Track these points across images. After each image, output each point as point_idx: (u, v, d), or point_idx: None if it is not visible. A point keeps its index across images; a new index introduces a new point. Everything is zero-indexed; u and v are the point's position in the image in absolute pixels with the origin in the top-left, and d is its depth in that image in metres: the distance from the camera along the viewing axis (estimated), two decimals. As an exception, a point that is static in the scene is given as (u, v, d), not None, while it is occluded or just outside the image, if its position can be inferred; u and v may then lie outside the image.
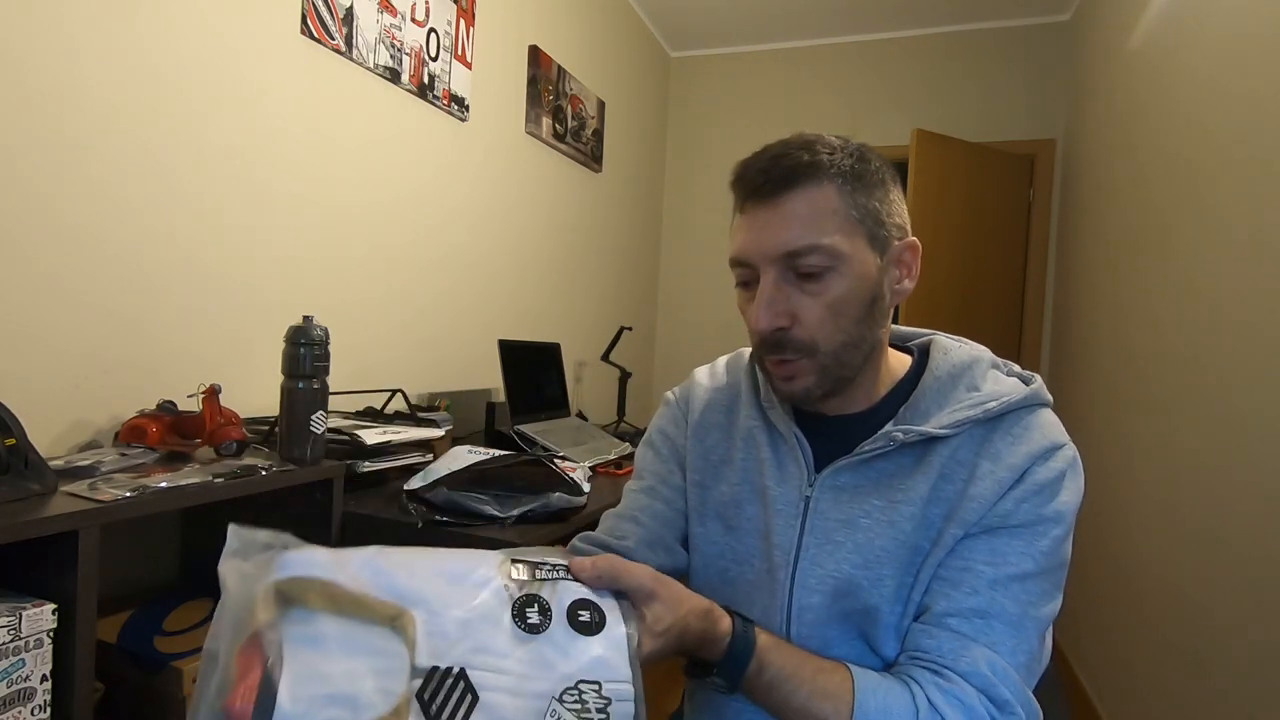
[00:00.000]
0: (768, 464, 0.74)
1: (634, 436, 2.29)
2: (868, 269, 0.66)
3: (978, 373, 0.71)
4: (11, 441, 0.89)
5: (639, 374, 3.53)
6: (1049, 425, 0.68)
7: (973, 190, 3.04)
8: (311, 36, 1.58)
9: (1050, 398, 0.71)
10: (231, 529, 0.46)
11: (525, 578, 0.50)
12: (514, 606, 0.47)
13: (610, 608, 0.51)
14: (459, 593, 0.47)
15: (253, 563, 0.45)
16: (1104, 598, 2.19)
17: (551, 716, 0.45)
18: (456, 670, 0.44)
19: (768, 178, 0.65)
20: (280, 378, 1.17)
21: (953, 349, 0.74)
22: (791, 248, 0.64)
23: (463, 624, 0.45)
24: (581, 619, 0.49)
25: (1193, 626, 1.57)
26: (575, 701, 0.45)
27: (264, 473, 1.09)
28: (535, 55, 2.45)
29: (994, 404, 0.67)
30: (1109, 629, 2.14)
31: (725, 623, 0.60)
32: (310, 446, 1.17)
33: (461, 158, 2.13)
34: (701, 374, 0.87)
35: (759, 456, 0.75)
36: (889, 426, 0.68)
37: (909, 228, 0.71)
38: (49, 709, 0.83)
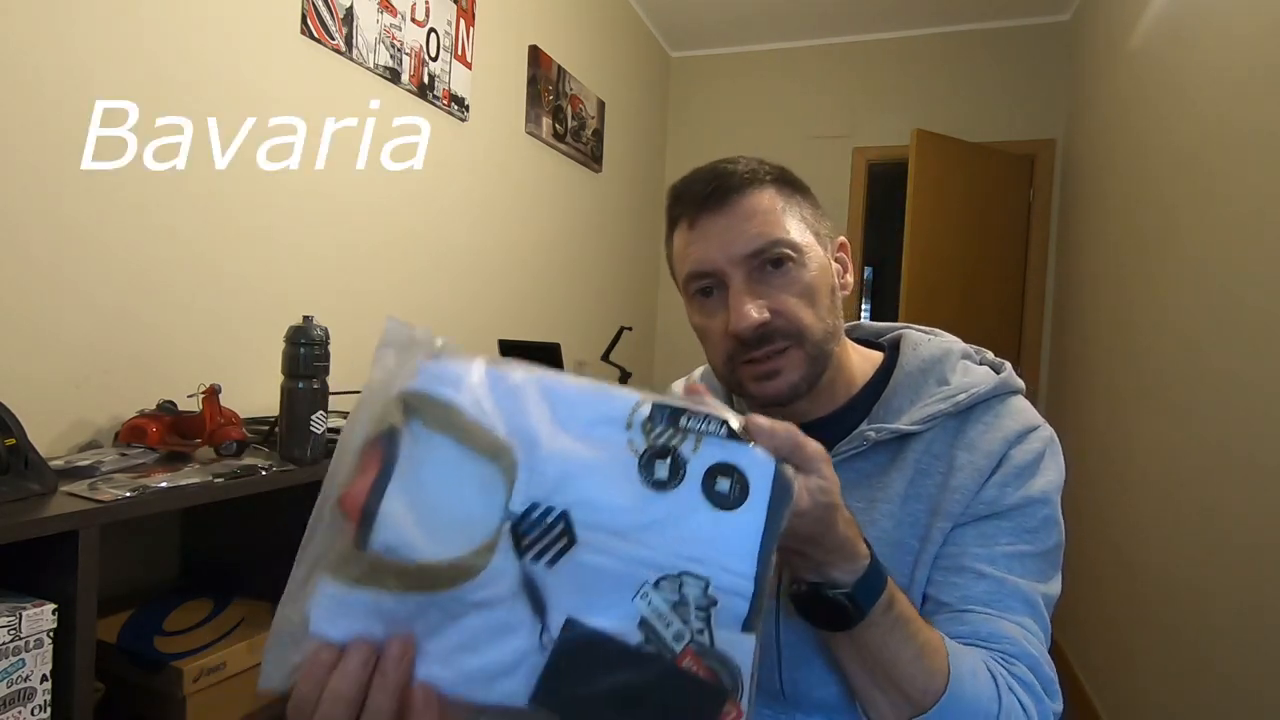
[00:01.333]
0: None
1: (634, 436, 2.29)
2: (823, 261, 0.69)
3: (947, 366, 0.72)
4: (11, 441, 0.89)
5: (639, 374, 3.53)
6: (1021, 410, 0.69)
7: (973, 190, 3.04)
8: (311, 36, 1.58)
9: (1021, 384, 0.72)
10: (389, 321, 0.43)
11: (664, 426, 0.42)
12: (642, 457, 0.41)
13: (761, 480, 0.42)
14: (585, 434, 0.42)
15: (399, 360, 0.43)
16: (1105, 593, 2.18)
17: (642, 598, 0.40)
18: (559, 511, 0.40)
19: (714, 188, 0.67)
20: (280, 378, 1.17)
21: (922, 343, 0.74)
22: (755, 246, 0.65)
23: (580, 466, 0.41)
24: (719, 489, 0.41)
25: (1193, 621, 1.57)
26: (674, 592, 0.40)
27: (264, 473, 1.09)
28: (535, 55, 2.45)
29: (963, 396, 0.68)
30: (1110, 625, 2.14)
31: (863, 543, 0.52)
32: (310, 446, 1.17)
33: (461, 158, 2.13)
34: (678, 387, 0.86)
35: None
36: (863, 426, 0.69)
37: (833, 231, 0.74)
38: (49, 709, 0.82)
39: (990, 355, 0.75)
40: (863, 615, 0.51)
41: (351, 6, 1.67)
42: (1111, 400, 2.22)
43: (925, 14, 3.16)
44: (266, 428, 1.27)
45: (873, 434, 0.68)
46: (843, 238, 0.74)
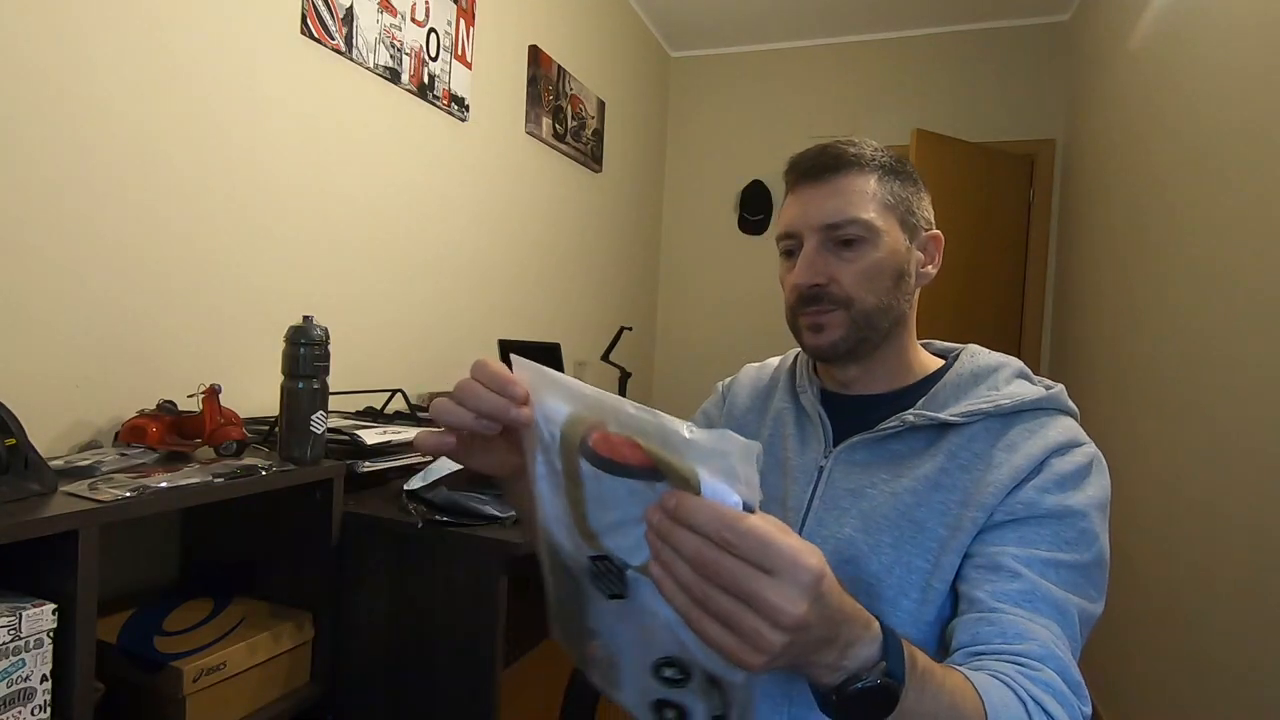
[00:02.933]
0: (791, 439, 0.81)
1: (634, 436, 2.29)
2: (898, 246, 0.74)
3: (1001, 376, 0.75)
4: (11, 441, 0.89)
5: (639, 374, 3.53)
6: (1068, 427, 0.70)
7: (973, 190, 3.04)
8: (311, 36, 1.58)
9: (1074, 408, 0.74)
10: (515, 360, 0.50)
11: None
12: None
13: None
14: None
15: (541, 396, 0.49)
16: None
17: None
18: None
19: (818, 162, 0.75)
20: (280, 378, 1.17)
21: (982, 354, 0.79)
22: (832, 220, 0.73)
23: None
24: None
25: (1193, 629, 1.56)
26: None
27: (264, 473, 1.09)
28: (535, 55, 2.45)
29: (1007, 401, 0.71)
30: (1110, 630, 2.14)
31: (865, 612, 0.47)
32: (310, 446, 1.17)
33: (461, 158, 2.13)
34: (750, 367, 0.96)
35: (784, 434, 0.82)
36: (908, 411, 0.74)
37: (934, 224, 0.80)
38: (49, 709, 0.82)
39: (1047, 381, 0.77)
40: (903, 683, 0.45)
41: (351, 6, 1.67)
42: (1112, 399, 2.22)
43: (925, 14, 3.16)
44: (266, 428, 1.27)
45: (911, 417, 0.72)
46: (938, 231, 0.79)
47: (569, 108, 2.69)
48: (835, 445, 0.77)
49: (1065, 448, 0.68)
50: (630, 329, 2.97)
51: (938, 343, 0.87)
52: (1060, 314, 3.01)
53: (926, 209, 0.78)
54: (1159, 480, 1.81)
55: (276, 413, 1.20)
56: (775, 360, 0.95)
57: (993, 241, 3.11)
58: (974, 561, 0.66)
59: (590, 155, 2.89)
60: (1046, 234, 3.15)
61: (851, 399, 0.80)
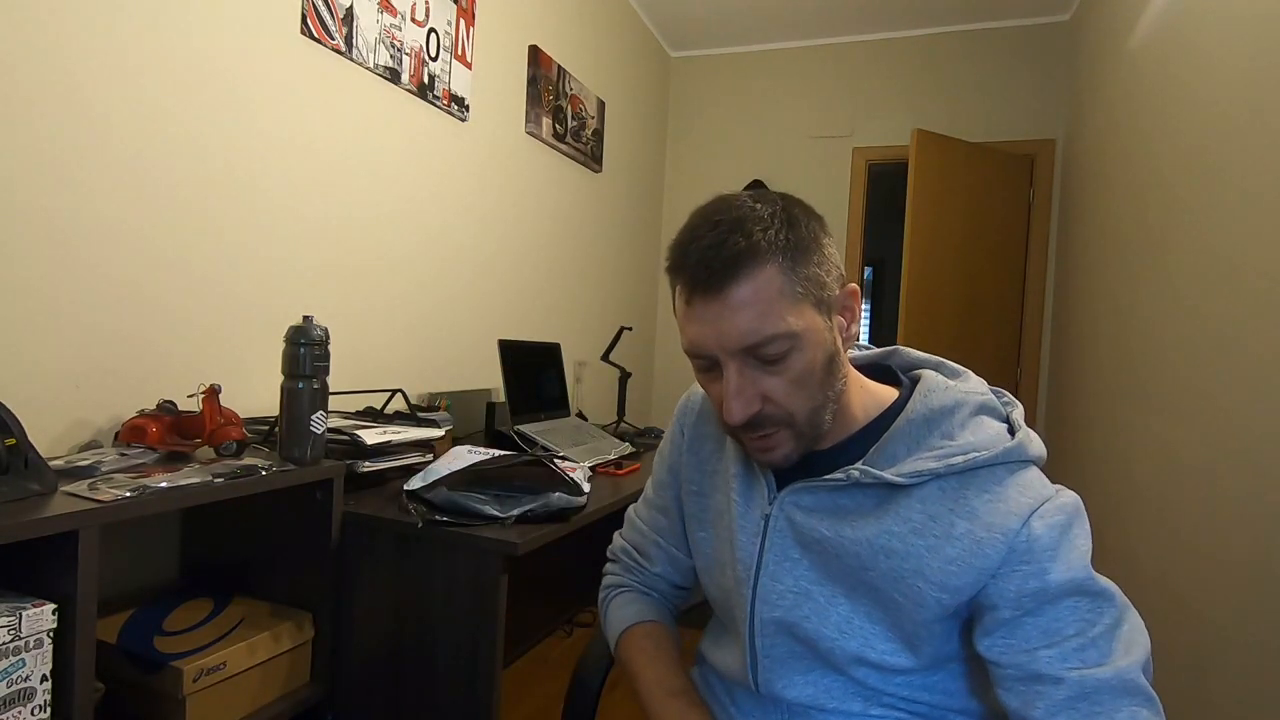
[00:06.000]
0: (735, 483, 0.77)
1: (634, 436, 2.29)
2: (821, 336, 0.65)
3: (957, 419, 0.68)
4: (11, 441, 0.89)
5: (639, 374, 3.53)
6: (1029, 483, 0.64)
7: (973, 190, 3.04)
8: (311, 37, 1.58)
9: (1038, 452, 0.67)
10: None
11: None
12: None
13: None
14: None
15: None
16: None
17: None
18: None
19: (710, 270, 0.62)
20: (280, 378, 1.17)
21: (936, 390, 0.70)
22: (749, 342, 0.63)
23: None
24: None
25: (1191, 631, 1.56)
26: None
27: (264, 473, 1.09)
28: (535, 55, 2.45)
29: (959, 459, 0.64)
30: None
31: None
32: (310, 446, 1.17)
33: (461, 158, 2.13)
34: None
35: (728, 477, 0.78)
36: (854, 466, 0.68)
37: (843, 271, 0.69)
38: (49, 709, 0.82)
39: (1018, 412, 0.70)
40: None
41: (351, 6, 1.67)
42: (1112, 400, 2.22)
43: (925, 14, 3.16)
44: (266, 428, 1.27)
45: (856, 474, 0.66)
46: (852, 285, 0.69)
47: (569, 108, 2.69)
48: (779, 490, 0.73)
49: (1035, 512, 0.62)
50: (630, 329, 2.97)
51: (901, 351, 0.79)
52: (1060, 314, 3.01)
53: (834, 266, 0.66)
54: (1161, 480, 1.81)
55: (276, 413, 1.20)
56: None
57: (993, 242, 3.11)
58: (1008, 672, 0.62)
59: (590, 155, 2.89)
60: (1046, 234, 3.15)
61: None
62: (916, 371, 0.75)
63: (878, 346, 0.84)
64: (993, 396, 0.71)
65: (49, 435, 1.13)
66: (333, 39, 1.63)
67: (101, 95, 1.19)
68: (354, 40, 1.69)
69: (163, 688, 1.02)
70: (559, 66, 2.60)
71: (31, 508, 0.84)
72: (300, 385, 1.16)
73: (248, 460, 1.14)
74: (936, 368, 0.75)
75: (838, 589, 0.68)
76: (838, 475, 0.67)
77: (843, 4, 3.12)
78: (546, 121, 2.54)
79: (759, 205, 0.65)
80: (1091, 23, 2.75)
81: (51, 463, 0.97)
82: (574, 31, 2.73)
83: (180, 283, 1.34)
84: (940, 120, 3.19)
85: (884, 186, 3.76)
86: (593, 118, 2.89)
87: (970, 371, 0.74)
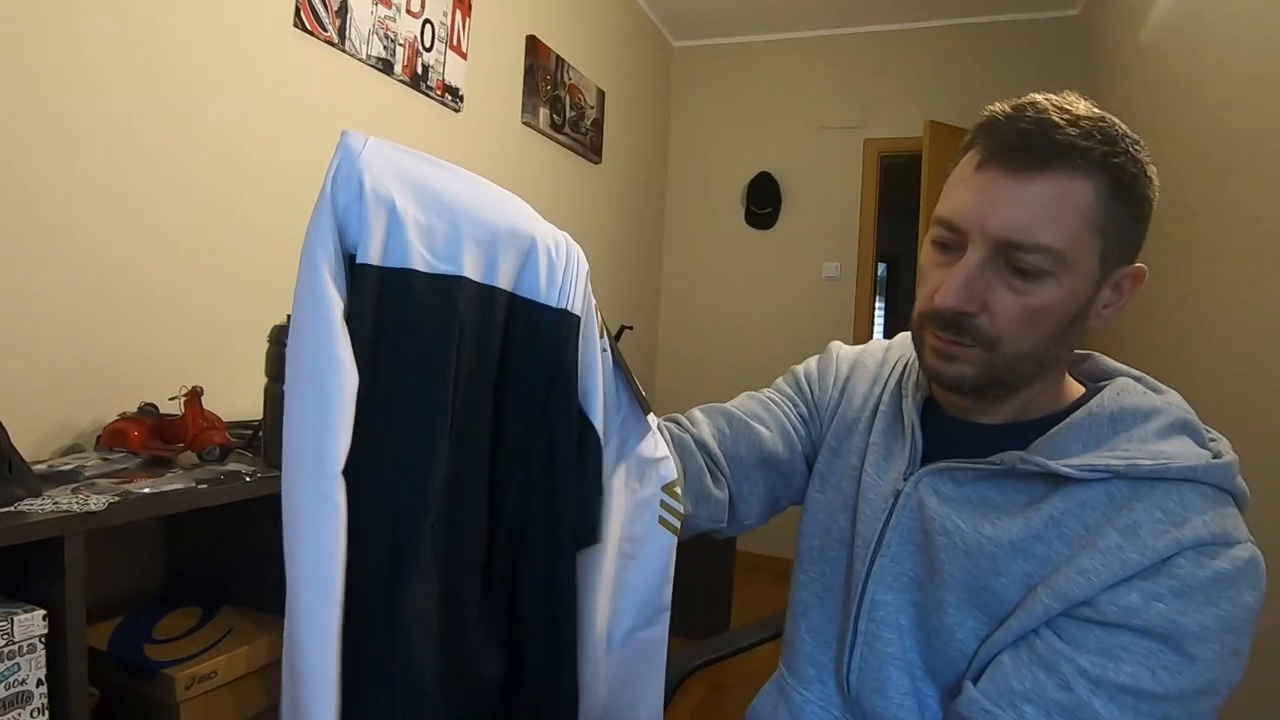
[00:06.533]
0: (874, 450, 0.69)
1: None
2: (1085, 285, 0.56)
3: (1151, 426, 0.57)
4: (-6, 446, 0.87)
5: (639, 374, 3.47)
6: (1221, 517, 0.53)
7: (982, 184, 3.00)
8: (304, 29, 1.54)
9: (1243, 488, 0.57)
10: None
11: None
12: None
13: None
14: None
15: None
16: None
17: None
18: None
19: (1027, 145, 0.54)
20: (264, 380, 1.14)
21: (1131, 392, 0.61)
22: (1016, 238, 0.54)
23: None
24: None
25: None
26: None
27: (248, 479, 1.07)
28: (533, 45, 2.41)
29: (1147, 462, 0.54)
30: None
31: None
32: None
33: (454, 148, 2.10)
34: (873, 344, 0.81)
35: (870, 441, 0.71)
36: (1015, 452, 0.59)
37: (1141, 249, 0.60)
38: (47, 712, 0.83)
39: (1226, 446, 0.59)
40: None
41: (344, -3, 1.63)
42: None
43: (934, 6, 3.11)
44: (250, 432, 1.24)
45: (1013, 460, 0.57)
46: (1141, 266, 0.59)
47: (568, 97, 2.65)
48: (920, 467, 0.65)
49: (1206, 546, 0.51)
50: (631, 328, 2.94)
51: (1097, 358, 0.70)
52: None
53: (1143, 231, 0.58)
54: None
55: (260, 416, 1.18)
56: (892, 343, 0.80)
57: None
58: (1032, 640, 0.54)
59: (589, 146, 2.84)
60: (1053, 230, 3.11)
61: (958, 420, 0.66)
62: (1113, 379, 0.65)
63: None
64: (1197, 420, 0.61)
65: (31, 439, 1.11)
66: (326, 31, 1.59)
67: (91, 91, 1.16)
68: (347, 32, 1.65)
69: (156, 694, 1.02)
70: (557, 56, 2.56)
71: (16, 513, 0.83)
72: (285, 388, 1.13)
73: (231, 466, 1.12)
74: (1137, 379, 0.65)
75: (947, 597, 0.59)
76: (992, 460, 0.59)
77: (849, -6, 3.07)
78: (544, 112, 2.50)
79: (1119, 124, 0.57)
80: (1101, 17, 2.70)
81: (34, 467, 0.95)
82: (573, 21, 2.68)
83: (162, 280, 1.31)
84: (951, 113, 3.13)
85: (896, 179, 3.70)
86: (592, 108, 2.85)
87: (1174, 391, 0.64)
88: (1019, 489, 0.59)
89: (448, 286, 0.48)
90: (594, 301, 0.59)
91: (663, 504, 0.60)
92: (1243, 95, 1.50)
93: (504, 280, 0.52)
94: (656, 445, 0.62)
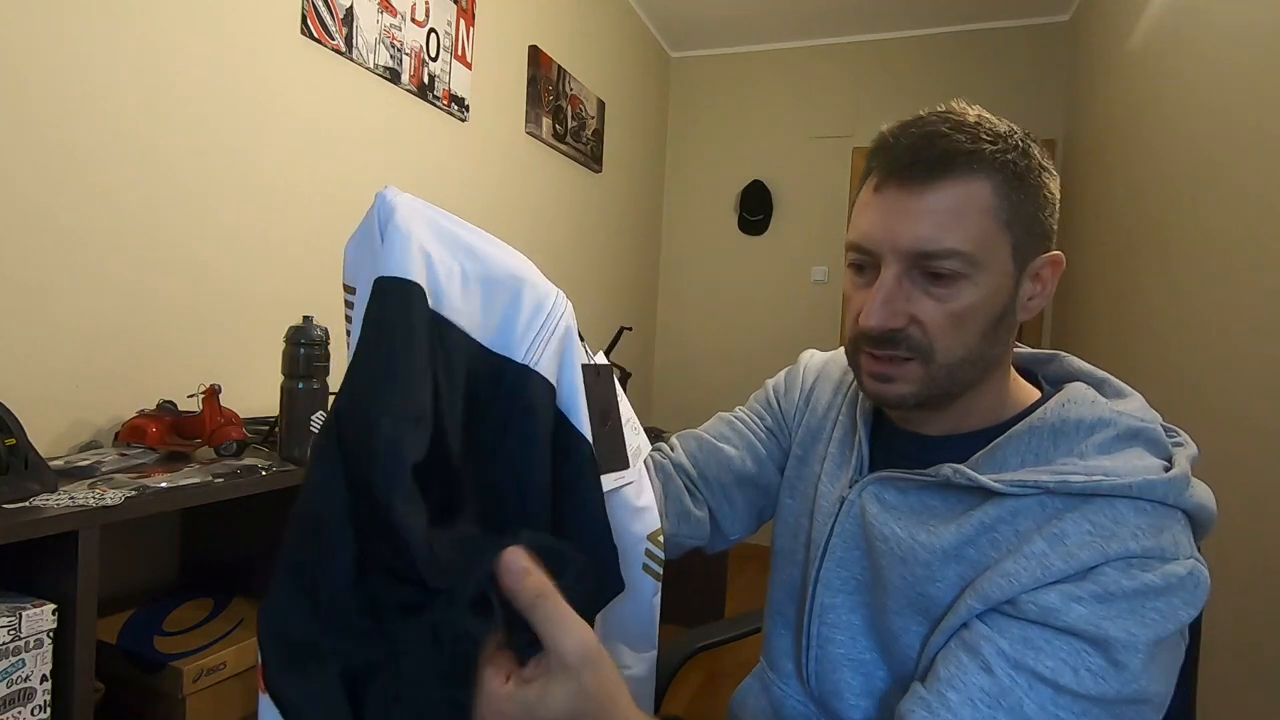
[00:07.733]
0: (831, 457, 0.71)
1: (634, 437, 2.29)
2: (1004, 281, 0.57)
3: (1094, 440, 0.56)
4: (11, 441, 0.89)
5: (639, 374, 3.53)
6: (1159, 531, 0.51)
7: (973, 190, 3.03)
8: (311, 37, 1.58)
9: (1201, 504, 0.54)
10: None
11: None
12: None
13: None
14: None
15: None
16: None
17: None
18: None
19: (917, 158, 0.55)
20: (280, 378, 1.17)
21: (1079, 402, 0.59)
22: (926, 248, 0.55)
23: None
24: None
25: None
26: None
27: (264, 473, 1.09)
28: (535, 55, 2.45)
29: (1079, 479, 0.53)
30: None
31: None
32: (310, 447, 1.17)
33: (461, 158, 2.13)
34: (828, 359, 0.83)
35: (829, 448, 0.72)
36: (951, 464, 0.59)
37: (1054, 237, 0.61)
38: (49, 709, 0.83)
39: (1185, 454, 0.57)
40: None
41: (351, 7, 1.67)
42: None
43: (924, 14, 3.16)
44: (266, 428, 1.27)
45: (947, 473, 0.58)
46: (1058, 254, 0.60)
47: (569, 108, 2.69)
48: (866, 475, 0.66)
49: (1138, 559, 0.50)
50: (630, 329, 2.97)
51: (1066, 359, 0.68)
52: (1061, 314, 3.01)
53: (1049, 221, 0.59)
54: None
55: (276, 413, 1.20)
56: (810, 357, 0.84)
57: (993, 242, 3.11)
58: (957, 633, 0.55)
59: (590, 155, 2.89)
60: (1047, 234, 3.15)
61: (902, 431, 0.67)
62: (1069, 384, 0.63)
63: None
64: (1157, 428, 0.58)
65: (49, 435, 1.13)
66: (333, 39, 1.63)
67: (102, 96, 1.19)
68: (354, 40, 1.69)
69: (163, 687, 1.02)
70: (559, 67, 2.60)
71: (31, 508, 0.84)
72: (300, 385, 1.16)
73: (248, 460, 1.14)
74: (1098, 384, 0.63)
75: (888, 602, 0.61)
76: (928, 473, 0.60)
77: (843, 4, 3.12)
78: (546, 121, 2.54)
79: (999, 121, 0.58)
80: (1091, 23, 2.75)
81: (51, 463, 0.97)
82: (574, 32, 2.73)
83: (180, 283, 1.34)
84: (940, 120, 3.18)
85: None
86: (593, 118, 2.89)
87: (1140, 396, 0.62)
88: (959, 498, 0.59)
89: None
90: (582, 352, 0.60)
91: (647, 552, 0.61)
92: (1232, 99, 1.54)
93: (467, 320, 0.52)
94: (640, 493, 0.62)
